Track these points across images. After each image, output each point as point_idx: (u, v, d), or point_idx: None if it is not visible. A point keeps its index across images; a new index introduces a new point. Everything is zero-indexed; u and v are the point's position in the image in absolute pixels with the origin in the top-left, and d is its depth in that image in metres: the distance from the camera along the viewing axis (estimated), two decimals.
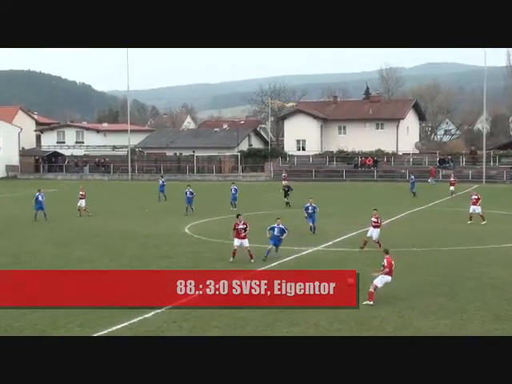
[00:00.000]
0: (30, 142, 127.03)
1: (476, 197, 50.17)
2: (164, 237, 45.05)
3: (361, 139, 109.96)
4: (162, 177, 76.18)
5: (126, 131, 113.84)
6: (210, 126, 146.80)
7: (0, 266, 35.83)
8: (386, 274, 26.31)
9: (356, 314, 24.81)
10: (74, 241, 44.51)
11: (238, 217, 36.14)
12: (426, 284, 30.34)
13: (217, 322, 24.54)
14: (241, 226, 35.11)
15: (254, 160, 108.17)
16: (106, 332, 23.48)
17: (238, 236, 35.00)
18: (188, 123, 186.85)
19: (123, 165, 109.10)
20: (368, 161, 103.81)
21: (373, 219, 38.38)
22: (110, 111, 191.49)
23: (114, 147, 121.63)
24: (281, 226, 35.55)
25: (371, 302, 25.85)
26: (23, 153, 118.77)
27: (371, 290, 25.98)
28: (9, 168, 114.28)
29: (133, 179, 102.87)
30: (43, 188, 57.79)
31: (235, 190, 62.02)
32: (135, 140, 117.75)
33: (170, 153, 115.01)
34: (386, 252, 27.16)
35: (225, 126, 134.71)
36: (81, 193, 58.93)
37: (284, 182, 72.96)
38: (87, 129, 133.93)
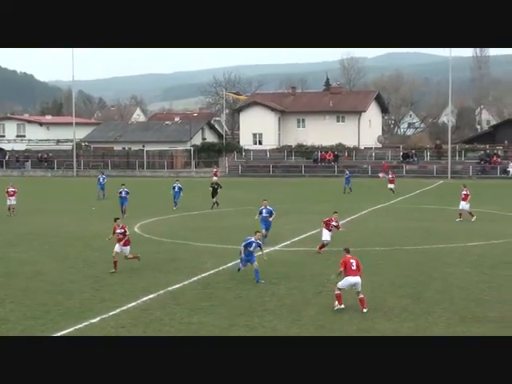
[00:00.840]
0: None
1: (465, 192, 49.77)
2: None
3: (320, 133, 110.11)
4: (103, 173, 75.06)
5: (70, 124, 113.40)
6: (161, 119, 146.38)
7: None
8: (342, 273, 25.74)
9: (317, 318, 24.87)
10: (13, 242, 44.09)
11: (115, 221, 34.38)
12: (389, 285, 30.46)
13: (168, 327, 24.36)
14: (119, 231, 33.38)
15: (207, 155, 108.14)
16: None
17: (119, 242, 33.15)
18: (137, 116, 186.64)
19: (68, 160, 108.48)
20: (328, 155, 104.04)
21: (333, 223, 37.96)
22: (53, 103, 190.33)
23: (58, 141, 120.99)
24: (258, 240, 31.64)
25: (342, 306, 25.50)
26: None
27: (336, 292, 25.61)
28: None
29: (78, 175, 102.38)
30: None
31: (179, 189, 59.87)
32: (81, 134, 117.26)
33: (118, 147, 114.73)
34: (347, 251, 26.55)
35: (177, 119, 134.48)
36: (11, 189, 58.64)
37: (214, 179, 71.41)
38: (29, 121, 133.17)
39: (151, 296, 28.64)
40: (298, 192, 73.17)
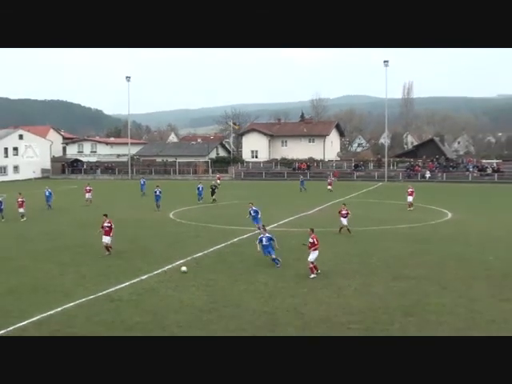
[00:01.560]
0: (58, 152, 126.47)
1: (411, 190, 50.87)
2: (155, 221, 44.85)
3: (298, 150, 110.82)
4: (144, 178, 74.52)
5: (126, 143, 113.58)
6: (188, 140, 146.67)
7: (38, 242, 35.56)
8: (315, 249, 25.25)
9: (295, 276, 24.89)
10: (90, 224, 44.07)
11: (105, 216, 31.34)
12: (345, 254, 30.47)
13: (193, 281, 24.40)
14: (106, 224, 30.57)
15: (220, 165, 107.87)
16: (113, 289, 23.21)
17: (106, 233, 30.50)
18: (172, 138, 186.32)
19: (125, 168, 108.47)
20: (303, 165, 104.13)
21: (343, 211, 37.08)
22: (115, 129, 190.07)
23: (118, 155, 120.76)
24: (267, 234, 27.88)
25: (315, 275, 24.83)
26: (53, 159, 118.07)
27: (310, 266, 24.99)
28: (43, 170, 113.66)
29: (132, 179, 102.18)
30: (68, 185, 57.49)
31: (202, 188, 57.59)
32: (134, 150, 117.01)
33: (159, 159, 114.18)
34: (312, 231, 26.14)
35: (199, 140, 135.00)
36: (87, 188, 59.45)
37: (217, 181, 70.77)
38: (99, 142, 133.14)
39: (181, 261, 28.64)
40: (281, 191, 72.88)
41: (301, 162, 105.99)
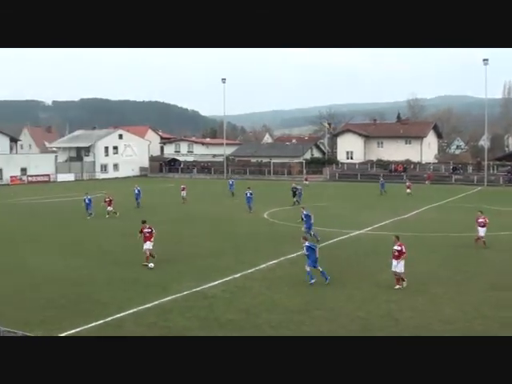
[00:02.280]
0: (156, 151, 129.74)
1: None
2: (249, 220, 45.28)
3: (394, 151, 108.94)
4: (231, 178, 74.20)
5: (222, 144, 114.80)
6: (283, 141, 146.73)
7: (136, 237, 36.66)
8: (402, 258, 23.35)
9: (391, 280, 24.54)
10: (184, 221, 45.01)
11: (144, 223, 29.24)
12: (440, 261, 29.82)
13: (286, 282, 24.51)
14: (146, 230, 28.65)
15: (314, 166, 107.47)
16: (207, 286, 23.63)
17: (145, 240, 28.51)
18: (267, 138, 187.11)
19: (220, 168, 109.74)
20: (399, 167, 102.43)
21: (480, 220, 32.88)
22: (211, 130, 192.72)
23: (214, 155, 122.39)
24: (307, 243, 25.04)
25: (400, 286, 23.24)
26: (151, 159, 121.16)
27: (395, 276, 23.42)
28: (142, 169, 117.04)
29: (227, 178, 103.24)
30: (165, 184, 58.89)
31: (251, 194, 51.63)
32: (229, 150, 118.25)
33: (253, 160, 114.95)
34: (398, 238, 23.98)
35: (294, 141, 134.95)
36: (182, 186, 61.10)
37: (304, 182, 69.28)
38: (195, 142, 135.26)
39: (275, 261, 28.84)
40: (376, 192, 71.66)
41: (397, 163, 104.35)
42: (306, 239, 25.65)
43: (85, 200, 47.75)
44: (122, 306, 20.92)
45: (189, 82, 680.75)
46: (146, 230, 28.67)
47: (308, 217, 35.67)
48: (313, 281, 24.12)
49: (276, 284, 24.24)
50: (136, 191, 55.41)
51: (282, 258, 29.47)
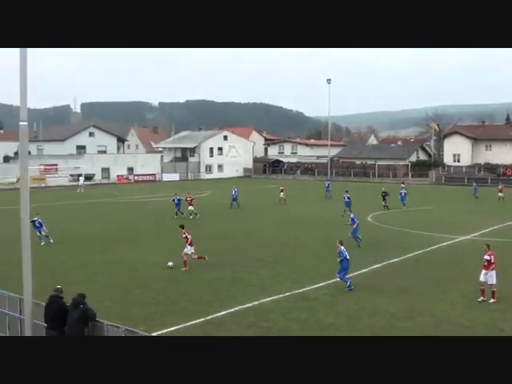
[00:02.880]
0: (260, 152, 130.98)
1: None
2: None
3: (503, 155, 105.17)
4: (329, 180, 73.30)
5: (326, 145, 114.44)
6: (388, 143, 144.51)
7: (234, 237, 36.99)
8: (492, 269, 21.79)
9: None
10: (284, 221, 45.08)
11: (183, 228, 28.87)
12: None
13: (389, 287, 24.09)
14: (183, 236, 28.33)
15: (420, 168, 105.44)
16: (308, 288, 23.54)
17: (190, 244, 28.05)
18: (372, 140, 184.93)
19: (324, 169, 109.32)
20: (508, 171, 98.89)
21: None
22: (315, 131, 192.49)
23: (318, 157, 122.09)
24: (342, 247, 24.15)
25: (484, 298, 21.82)
26: (255, 160, 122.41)
27: (487, 288, 21.92)
28: (245, 170, 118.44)
29: (331, 180, 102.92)
30: (268, 185, 59.12)
31: (405, 194, 53.68)
32: (333, 151, 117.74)
33: (358, 161, 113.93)
34: (488, 247, 22.44)
35: (399, 143, 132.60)
36: (281, 187, 61.42)
37: (401, 185, 66.93)
38: (299, 143, 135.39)
39: (377, 265, 28.45)
40: (485, 196, 69.15)
41: (506, 167, 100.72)
42: (341, 243, 24.58)
43: (174, 200, 48.48)
44: (222, 304, 21.19)
45: (294, 83, 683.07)
46: (183, 236, 28.45)
47: (353, 221, 34.73)
48: (349, 282, 23.78)
49: (378, 289, 23.87)
50: (233, 192, 55.87)
51: (384, 263, 29.01)
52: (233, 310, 20.59)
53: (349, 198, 49.79)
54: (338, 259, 24.06)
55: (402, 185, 67.62)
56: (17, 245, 16.09)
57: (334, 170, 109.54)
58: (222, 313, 20.19)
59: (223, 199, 60.89)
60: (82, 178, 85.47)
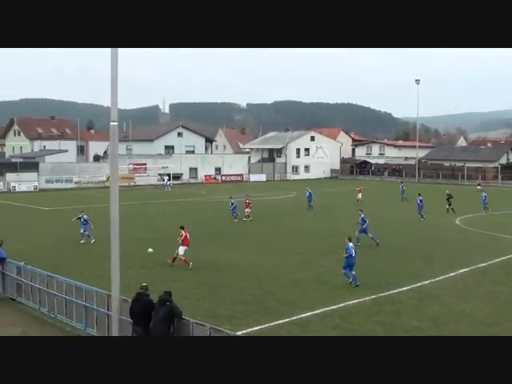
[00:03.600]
0: (347, 153, 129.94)
1: None
2: (441, 225, 43.83)
3: None
4: (402, 182, 71.58)
5: (414, 146, 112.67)
6: (478, 145, 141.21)
7: (318, 237, 36.82)
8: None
9: None
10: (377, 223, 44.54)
11: (182, 228, 28.63)
12: None
13: (476, 291, 23.44)
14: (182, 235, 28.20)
15: (510, 171, 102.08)
16: (394, 292, 23.21)
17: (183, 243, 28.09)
18: (461, 141, 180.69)
19: (412, 171, 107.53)
20: None
21: None
22: (403, 132, 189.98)
23: (406, 158, 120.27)
24: (350, 244, 24.84)
25: None
26: (342, 161, 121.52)
27: None
28: (332, 171, 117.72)
29: (419, 182, 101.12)
30: (354, 186, 58.41)
31: (421, 201, 48.28)
32: (421, 153, 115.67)
33: (446, 163, 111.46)
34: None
35: (489, 145, 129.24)
36: (358, 188, 61.31)
37: (477, 188, 64.27)
38: (387, 144, 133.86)
39: (465, 269, 27.75)
40: None
41: None
42: (350, 240, 25.17)
43: (231, 203, 47.73)
44: (307, 305, 21.14)
45: (382, 84, 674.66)
46: (181, 236, 28.33)
47: (363, 221, 34.91)
48: (351, 279, 24.41)
49: (466, 293, 23.27)
50: (307, 193, 55.49)
51: (472, 267, 28.23)
52: (318, 311, 20.50)
53: (421, 201, 48.43)
54: (344, 255, 24.65)
55: (478, 187, 65.39)
56: (107, 242, 16.50)
57: (422, 171, 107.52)
58: (307, 314, 20.13)
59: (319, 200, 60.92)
60: (166, 178, 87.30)
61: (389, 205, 60.43)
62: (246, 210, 47.51)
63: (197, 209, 55.81)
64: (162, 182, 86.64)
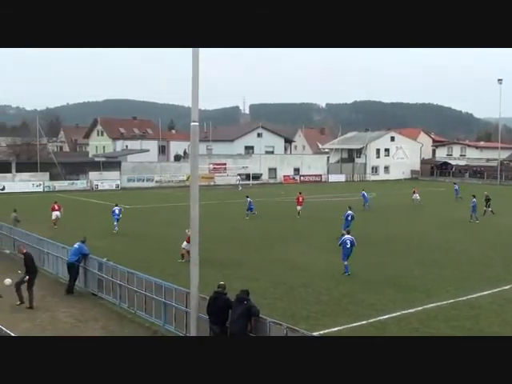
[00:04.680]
0: (427, 154, 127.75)
1: None
2: None
3: None
4: (455, 183, 69.54)
5: (497, 148, 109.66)
6: None
7: (398, 237, 36.39)
8: None
9: None
10: (449, 226, 43.69)
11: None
12: None
13: None
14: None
15: None
16: (474, 296, 22.72)
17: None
18: None
19: (494, 173, 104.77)
20: None
21: None
22: (485, 132, 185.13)
23: (488, 159, 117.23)
24: (348, 236, 27.07)
25: None
26: (423, 161, 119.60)
27: None
28: (412, 172, 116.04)
29: (500, 184, 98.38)
30: (434, 187, 57.56)
31: (474, 203, 47.36)
32: (504, 154, 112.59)
33: None
34: None
35: None
36: (413, 188, 62.73)
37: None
38: (468, 145, 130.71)
39: None
40: None
41: None
42: (348, 232, 27.86)
43: (249, 202, 48.34)
44: (385, 308, 20.94)
45: (464, 83, 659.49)
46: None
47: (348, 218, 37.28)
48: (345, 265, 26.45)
49: None
50: (362, 195, 55.97)
51: None
52: (395, 314, 20.26)
53: (474, 202, 47.33)
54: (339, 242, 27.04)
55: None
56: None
57: (504, 173, 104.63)
58: (385, 317, 19.94)
59: (387, 201, 60.23)
60: (239, 178, 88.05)
61: (454, 207, 59.33)
62: (298, 207, 48.46)
63: (275, 209, 56.00)
64: (242, 182, 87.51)
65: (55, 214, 42.28)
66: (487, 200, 51.82)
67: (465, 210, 49.48)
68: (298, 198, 49.64)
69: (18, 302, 21.10)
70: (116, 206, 40.68)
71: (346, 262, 26.56)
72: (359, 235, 30.83)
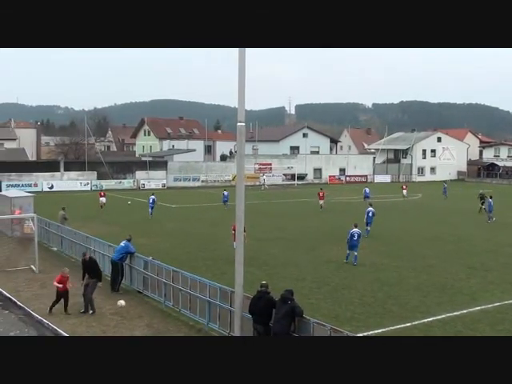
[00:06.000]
0: (474, 155, 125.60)
1: None
2: None
3: None
4: (445, 182, 68.71)
5: None
6: None
7: (444, 242, 35.93)
8: None
9: None
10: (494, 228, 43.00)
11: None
12: None
13: None
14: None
15: None
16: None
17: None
18: None
19: None
20: None
21: None
22: None
23: None
24: (356, 229, 29.31)
25: None
26: (469, 163, 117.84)
27: None
28: (459, 173, 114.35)
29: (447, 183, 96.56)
30: (479, 189, 56.65)
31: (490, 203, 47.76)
32: None
33: None
34: None
35: None
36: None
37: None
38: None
39: None
40: None
41: None
42: (356, 226, 29.63)
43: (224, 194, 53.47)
44: (430, 310, 20.78)
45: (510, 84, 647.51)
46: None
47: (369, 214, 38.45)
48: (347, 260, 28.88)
49: None
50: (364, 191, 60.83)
51: None
52: (440, 317, 20.08)
53: (490, 203, 46.95)
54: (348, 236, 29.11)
55: None
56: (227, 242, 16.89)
57: None
58: (430, 319, 19.77)
59: (433, 202, 59.52)
60: (264, 177, 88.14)
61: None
62: (320, 201, 53.23)
63: (320, 210, 55.85)
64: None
65: (101, 199, 52.85)
66: (482, 198, 52.27)
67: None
68: (319, 193, 54.42)
69: (91, 311, 20.72)
70: (152, 194, 47.64)
71: (355, 253, 28.80)
72: (408, 234, 30.58)
